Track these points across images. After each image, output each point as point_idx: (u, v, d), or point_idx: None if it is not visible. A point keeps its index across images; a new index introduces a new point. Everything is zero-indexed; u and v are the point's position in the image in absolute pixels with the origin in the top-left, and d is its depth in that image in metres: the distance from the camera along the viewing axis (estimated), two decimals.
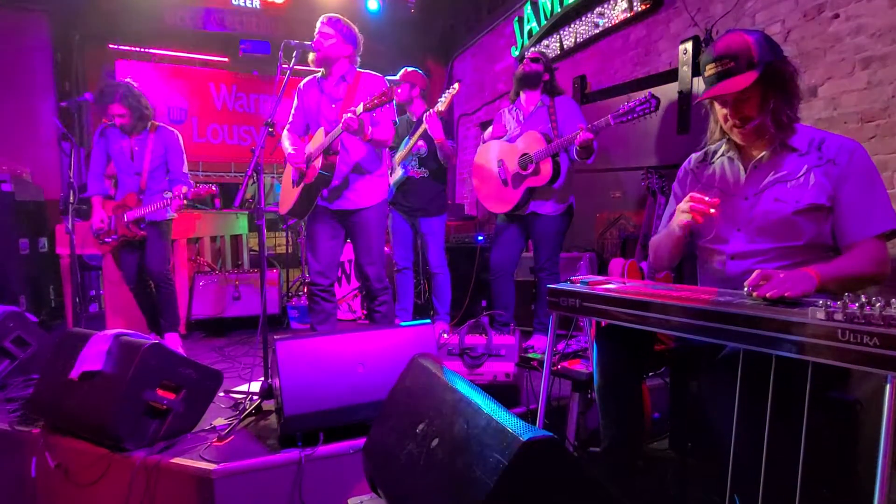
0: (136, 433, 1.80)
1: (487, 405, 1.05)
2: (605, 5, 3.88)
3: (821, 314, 0.97)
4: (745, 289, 1.19)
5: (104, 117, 2.97)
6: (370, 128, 2.36)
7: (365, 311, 3.95)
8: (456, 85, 3.04)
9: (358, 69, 2.54)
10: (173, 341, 3.05)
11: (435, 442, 1.09)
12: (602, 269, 3.61)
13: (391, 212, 3.36)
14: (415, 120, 3.30)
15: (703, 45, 3.12)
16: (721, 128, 1.48)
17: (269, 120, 2.19)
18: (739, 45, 1.34)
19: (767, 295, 1.13)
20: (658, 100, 2.26)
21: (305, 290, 3.91)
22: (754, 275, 1.19)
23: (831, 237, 1.35)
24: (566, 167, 2.79)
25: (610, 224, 3.90)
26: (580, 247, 3.72)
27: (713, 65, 1.37)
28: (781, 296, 1.12)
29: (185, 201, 2.88)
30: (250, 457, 1.73)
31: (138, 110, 2.93)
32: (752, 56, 1.33)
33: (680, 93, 3.27)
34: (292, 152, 2.47)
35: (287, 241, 5.36)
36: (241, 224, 4.69)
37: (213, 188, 2.94)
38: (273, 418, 2.08)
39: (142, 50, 5.32)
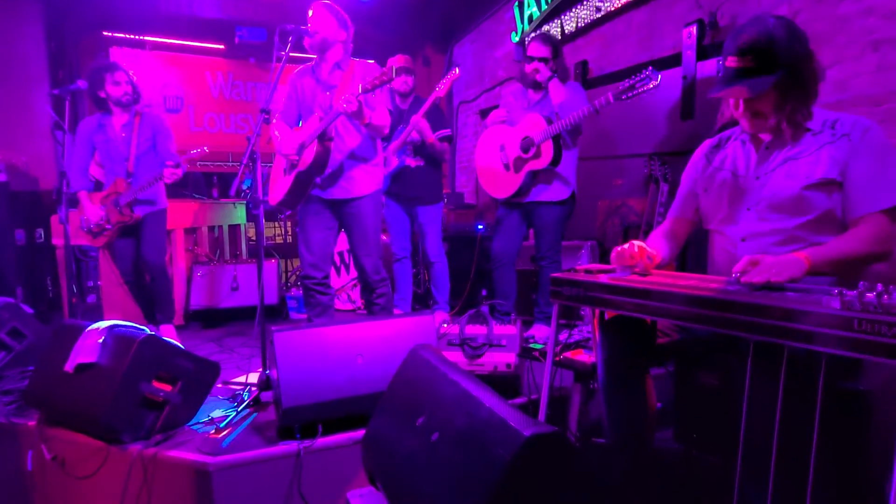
0: (132, 425, 1.78)
1: (489, 398, 1.01)
2: None
3: (835, 303, 0.94)
4: (734, 275, 1.17)
5: (100, 98, 2.90)
6: (368, 112, 2.31)
7: (364, 301, 3.92)
8: (456, 69, 2.98)
9: (352, 58, 2.48)
10: (168, 332, 3.02)
11: (435, 436, 1.06)
12: (604, 257, 3.57)
13: (387, 201, 3.31)
14: (404, 108, 3.25)
15: (708, 28, 3.05)
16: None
17: (266, 107, 2.14)
18: (764, 40, 1.29)
19: (753, 281, 1.12)
20: (659, 74, 2.22)
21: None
22: (742, 261, 1.18)
23: (842, 213, 1.32)
24: (568, 151, 2.74)
25: (612, 212, 3.86)
26: (581, 235, 3.68)
27: (734, 59, 1.33)
28: (767, 281, 1.11)
29: (179, 171, 2.81)
30: (248, 449, 1.71)
31: (135, 86, 2.95)
32: (776, 56, 1.28)
33: (684, 78, 3.21)
34: (283, 142, 2.41)
35: (285, 231, 5.32)
36: (239, 214, 4.65)
37: (204, 149, 2.89)
38: (271, 410, 2.06)
39: (136, 37, 5.23)
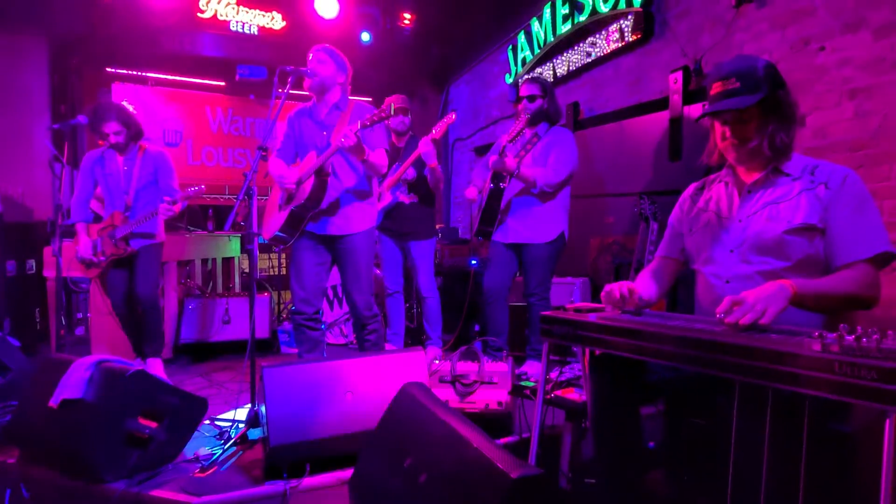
0: (115, 463, 1.74)
1: (478, 438, 1.01)
2: (597, 35, 3.96)
3: (816, 346, 0.95)
4: (717, 316, 1.19)
5: (98, 138, 2.95)
6: (367, 148, 2.35)
7: (356, 337, 3.90)
8: (453, 114, 3.07)
9: (349, 98, 2.56)
10: (156, 366, 2.98)
11: (423, 477, 1.05)
12: (595, 294, 3.60)
13: (380, 236, 3.35)
14: (400, 146, 3.32)
15: (693, 74, 3.18)
16: (719, 152, 1.50)
17: (263, 144, 2.19)
18: (747, 67, 1.37)
19: (739, 322, 1.13)
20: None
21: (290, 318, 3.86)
22: (724, 301, 1.19)
23: (825, 258, 1.35)
24: (509, 194, 2.87)
25: (603, 249, 3.90)
26: (574, 272, 3.71)
27: (718, 83, 1.40)
28: (753, 322, 1.13)
29: (176, 207, 2.83)
30: (233, 489, 1.68)
31: (132, 127, 2.93)
32: (759, 79, 1.36)
33: (671, 120, 3.31)
34: (281, 176, 2.44)
35: (279, 263, 5.32)
36: (233, 247, 4.65)
37: (202, 188, 2.91)
38: (259, 448, 2.02)
39: (139, 74, 5.35)
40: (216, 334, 3.77)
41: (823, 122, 2.54)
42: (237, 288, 4.79)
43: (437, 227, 3.96)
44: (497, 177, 2.81)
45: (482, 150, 5.66)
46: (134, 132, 2.95)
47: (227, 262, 4.74)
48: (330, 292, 4.23)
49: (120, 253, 2.88)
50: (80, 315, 4.38)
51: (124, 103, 3.07)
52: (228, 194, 5.82)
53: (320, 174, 2.37)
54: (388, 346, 3.35)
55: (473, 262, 3.98)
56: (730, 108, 1.36)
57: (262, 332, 3.85)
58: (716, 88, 1.41)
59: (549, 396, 1.84)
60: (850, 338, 0.93)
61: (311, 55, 2.47)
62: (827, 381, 0.92)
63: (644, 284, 1.56)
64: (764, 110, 1.37)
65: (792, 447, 1.05)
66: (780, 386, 0.98)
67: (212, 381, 3.13)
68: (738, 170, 1.50)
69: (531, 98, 2.87)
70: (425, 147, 3.00)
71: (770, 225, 1.37)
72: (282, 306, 4.68)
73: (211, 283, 4.48)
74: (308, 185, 2.37)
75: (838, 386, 0.90)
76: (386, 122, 2.28)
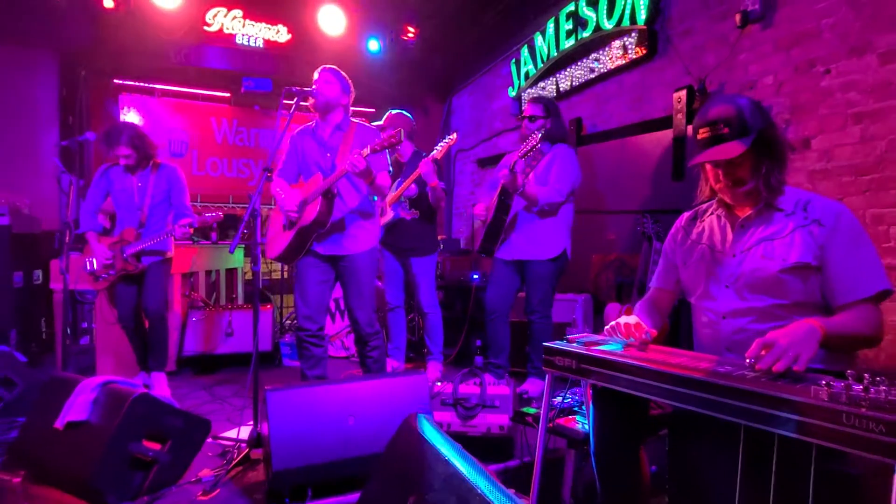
0: (118, 486, 1.75)
1: (481, 481, 1.01)
2: (601, 51, 3.97)
3: (823, 394, 0.95)
4: (747, 360, 1.16)
5: (108, 158, 2.97)
6: (375, 171, 2.37)
7: (357, 353, 3.90)
8: (454, 135, 3.08)
9: (351, 119, 2.57)
10: (159, 380, 2.99)
11: None
12: (598, 311, 3.59)
13: (382, 251, 3.36)
14: (404, 161, 3.33)
15: (697, 94, 3.18)
16: (711, 187, 1.49)
17: (268, 166, 2.21)
18: (732, 111, 1.36)
19: (772, 369, 1.08)
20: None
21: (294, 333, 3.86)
22: (754, 345, 1.15)
23: (820, 295, 1.34)
24: (514, 210, 2.88)
25: (605, 266, 3.90)
26: (576, 288, 3.71)
27: (706, 129, 1.38)
28: (787, 368, 1.08)
29: (191, 230, 2.85)
30: None
31: (143, 150, 2.93)
32: (746, 122, 1.34)
33: (675, 139, 3.31)
34: (283, 200, 2.45)
35: (282, 267, 5.32)
36: (236, 257, 4.67)
37: (220, 215, 2.92)
38: (261, 468, 2.03)
39: (146, 85, 5.39)
40: (219, 347, 3.78)
41: (829, 145, 2.54)
42: (240, 298, 4.79)
43: (440, 238, 3.97)
44: (504, 193, 2.81)
45: (484, 162, 5.67)
46: (144, 154, 2.93)
47: (231, 272, 4.75)
48: (332, 305, 4.23)
49: (130, 269, 2.89)
50: (84, 325, 4.39)
51: (132, 112, 3.06)
52: (232, 203, 5.85)
53: (327, 196, 2.38)
54: (389, 361, 3.35)
55: (475, 276, 3.98)
56: (723, 157, 1.35)
57: (265, 344, 3.86)
58: (703, 133, 1.39)
59: (550, 425, 1.83)
60: (859, 387, 0.93)
61: (317, 74, 2.49)
62: (834, 432, 0.91)
63: (640, 317, 1.55)
64: (757, 152, 1.35)
65: (798, 488, 1.05)
66: (785, 433, 0.98)
67: (214, 395, 3.14)
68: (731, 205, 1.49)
69: (532, 118, 2.88)
70: (425, 167, 3.01)
71: (765, 263, 1.36)
72: (284, 314, 4.69)
73: (214, 295, 4.49)
74: (315, 207, 2.38)
75: (845, 437, 0.90)
76: (398, 144, 2.30)
